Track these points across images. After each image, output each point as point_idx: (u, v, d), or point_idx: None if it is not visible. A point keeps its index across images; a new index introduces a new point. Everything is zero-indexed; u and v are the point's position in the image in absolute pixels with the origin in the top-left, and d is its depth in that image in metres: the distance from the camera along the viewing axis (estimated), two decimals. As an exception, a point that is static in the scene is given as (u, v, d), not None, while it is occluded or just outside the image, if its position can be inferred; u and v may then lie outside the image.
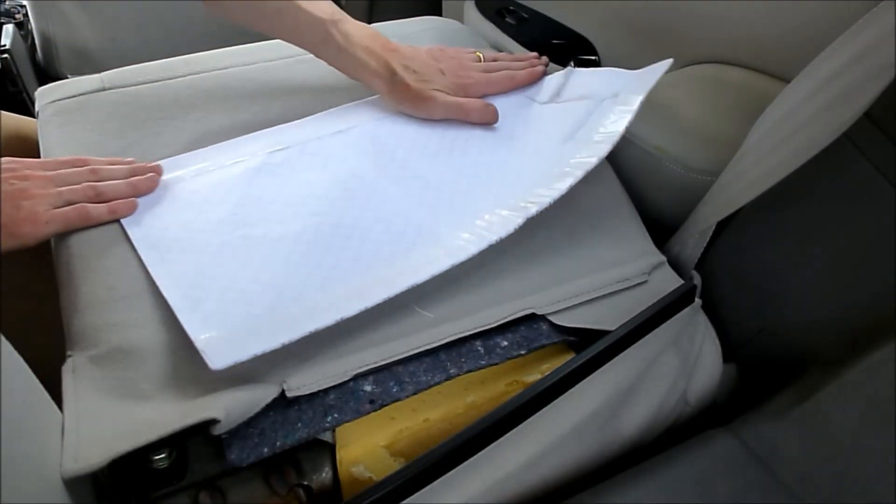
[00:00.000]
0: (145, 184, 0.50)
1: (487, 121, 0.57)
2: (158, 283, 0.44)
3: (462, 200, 0.51)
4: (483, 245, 0.46)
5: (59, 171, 0.48)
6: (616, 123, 0.51)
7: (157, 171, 0.51)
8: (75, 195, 0.47)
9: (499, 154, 0.55)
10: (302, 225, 0.49)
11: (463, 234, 0.48)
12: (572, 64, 0.62)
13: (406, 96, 0.57)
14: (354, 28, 0.57)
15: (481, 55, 0.62)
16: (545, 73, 0.62)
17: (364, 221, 0.49)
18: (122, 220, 0.49)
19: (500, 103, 0.61)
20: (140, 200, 0.50)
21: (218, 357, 0.38)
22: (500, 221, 0.48)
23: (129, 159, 0.52)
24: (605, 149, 0.49)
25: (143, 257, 0.46)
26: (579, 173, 0.48)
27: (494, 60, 0.63)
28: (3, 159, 0.47)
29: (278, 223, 0.49)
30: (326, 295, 0.44)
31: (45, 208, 0.45)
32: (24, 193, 0.45)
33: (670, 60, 0.52)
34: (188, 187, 0.52)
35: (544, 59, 0.64)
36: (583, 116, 0.55)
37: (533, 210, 0.47)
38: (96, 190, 0.48)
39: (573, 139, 0.53)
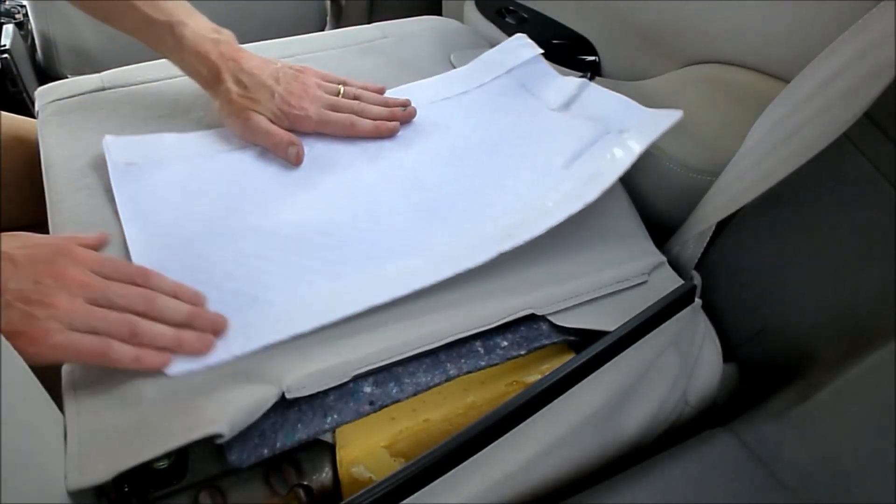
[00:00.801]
0: (194, 344, 0.40)
1: (288, 160, 0.53)
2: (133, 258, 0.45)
3: (448, 207, 0.51)
4: (459, 269, 0.46)
5: (108, 283, 0.40)
6: (612, 169, 0.50)
7: (220, 326, 0.42)
8: (105, 325, 0.38)
9: (498, 161, 0.55)
10: (283, 218, 0.50)
11: (444, 249, 0.48)
12: (588, 76, 0.61)
13: (225, 109, 0.55)
14: (193, 31, 0.54)
15: (342, 89, 0.58)
16: (396, 131, 0.57)
17: (348, 220, 0.50)
18: (121, 216, 0.48)
19: (510, 102, 0.61)
20: (138, 182, 0.51)
21: (178, 366, 0.39)
22: (481, 245, 0.48)
23: (194, 291, 0.43)
24: (593, 194, 0.49)
25: (128, 240, 0.46)
26: (562, 215, 0.48)
27: (355, 98, 0.58)
28: (58, 240, 0.40)
29: (258, 213, 0.50)
30: (299, 300, 0.44)
31: (58, 327, 0.36)
32: (44, 298, 0.37)
33: (680, 112, 0.51)
34: (185, 170, 0.53)
35: (409, 110, 0.58)
36: (586, 143, 0.54)
37: (519, 241, 0.47)
38: (133, 330, 0.39)
39: (570, 168, 0.53)
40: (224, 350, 0.41)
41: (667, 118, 0.51)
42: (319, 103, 0.56)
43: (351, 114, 0.56)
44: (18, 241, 0.39)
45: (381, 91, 0.60)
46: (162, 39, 0.54)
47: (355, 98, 0.58)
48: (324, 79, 0.59)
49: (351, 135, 0.56)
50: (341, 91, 0.58)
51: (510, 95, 0.62)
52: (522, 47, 0.64)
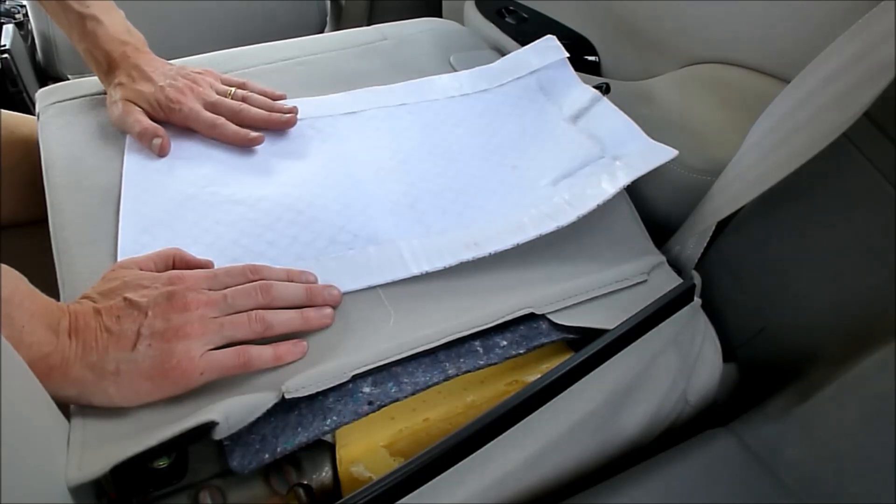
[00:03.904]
0: (319, 320, 0.43)
1: (152, 151, 0.54)
2: (120, 223, 0.48)
3: (427, 205, 0.52)
4: (417, 272, 0.46)
5: (226, 292, 0.41)
6: (594, 196, 0.50)
7: (336, 297, 0.45)
8: (240, 331, 0.40)
9: (490, 167, 0.55)
10: (265, 192, 0.51)
11: (410, 246, 0.48)
12: (604, 87, 0.60)
13: (109, 98, 0.56)
14: (105, 30, 0.56)
15: (233, 91, 0.58)
16: (257, 142, 0.55)
17: (321, 200, 0.51)
18: (123, 186, 0.51)
19: (524, 107, 0.61)
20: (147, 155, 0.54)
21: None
22: (446, 249, 0.48)
23: (303, 271, 0.45)
24: (568, 218, 0.49)
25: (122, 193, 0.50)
26: (533, 233, 0.48)
27: (243, 100, 0.58)
28: (165, 274, 0.41)
29: (247, 186, 0.52)
30: None
31: (201, 350, 0.38)
32: (179, 332, 0.38)
33: (676, 152, 0.51)
34: (190, 141, 0.56)
35: (289, 118, 0.57)
36: (578, 164, 0.54)
37: (483, 253, 0.47)
38: (265, 323, 0.41)
39: (555, 187, 0.53)
40: None
41: (661, 154, 0.51)
42: (199, 100, 0.56)
43: (227, 114, 0.56)
44: (125, 284, 0.40)
45: (277, 97, 0.60)
46: (73, 28, 0.56)
47: (243, 100, 0.58)
48: (224, 82, 0.59)
49: (213, 136, 0.56)
50: (231, 92, 0.58)
51: (527, 99, 0.62)
52: (550, 49, 0.64)
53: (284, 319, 0.41)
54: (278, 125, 0.57)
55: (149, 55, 0.58)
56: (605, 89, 0.60)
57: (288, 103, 0.59)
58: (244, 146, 0.56)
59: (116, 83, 0.56)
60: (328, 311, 0.43)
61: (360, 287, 0.46)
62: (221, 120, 0.56)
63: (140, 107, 0.55)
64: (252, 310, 0.41)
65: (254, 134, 0.55)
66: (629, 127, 0.55)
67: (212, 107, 0.56)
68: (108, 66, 0.57)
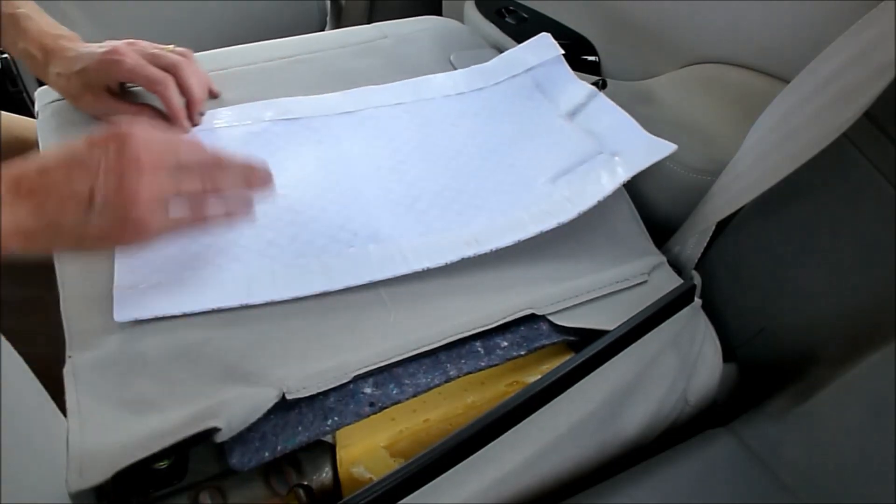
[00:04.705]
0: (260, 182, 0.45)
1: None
2: None
3: (427, 203, 0.52)
4: (418, 268, 0.46)
5: (177, 149, 0.41)
6: (594, 192, 0.50)
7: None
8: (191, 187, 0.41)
9: (489, 166, 0.55)
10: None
11: (411, 245, 0.48)
12: (600, 83, 0.60)
13: (75, 80, 0.55)
14: (38, 24, 0.56)
15: (171, 48, 0.58)
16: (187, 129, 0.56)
17: (319, 200, 0.51)
18: None
19: (521, 104, 0.61)
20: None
21: (123, 311, 0.42)
22: (447, 247, 0.48)
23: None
24: (569, 214, 0.49)
25: None
26: (534, 230, 0.48)
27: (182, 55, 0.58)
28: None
29: None
30: (260, 273, 0.45)
31: (154, 214, 0.38)
32: (129, 192, 0.37)
33: (675, 146, 0.50)
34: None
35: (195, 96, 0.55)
36: (576, 161, 0.54)
37: (484, 250, 0.47)
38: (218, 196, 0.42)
39: (555, 184, 0.53)
40: (171, 305, 0.43)
41: (660, 149, 0.51)
42: (141, 54, 0.55)
43: (169, 67, 0.55)
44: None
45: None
46: (7, 31, 0.56)
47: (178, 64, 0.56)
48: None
49: (154, 91, 0.54)
50: (171, 48, 0.57)
51: (523, 97, 0.62)
52: (545, 47, 0.64)
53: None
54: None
55: (83, 43, 0.57)
56: (601, 85, 0.60)
57: (285, 102, 0.59)
58: (174, 118, 0.55)
59: (56, 73, 0.55)
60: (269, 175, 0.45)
61: (362, 283, 0.46)
62: (170, 79, 0.54)
63: (87, 74, 0.54)
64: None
65: (186, 122, 0.55)
66: (627, 122, 0.55)
67: (152, 58, 0.55)
68: (45, 57, 0.55)
